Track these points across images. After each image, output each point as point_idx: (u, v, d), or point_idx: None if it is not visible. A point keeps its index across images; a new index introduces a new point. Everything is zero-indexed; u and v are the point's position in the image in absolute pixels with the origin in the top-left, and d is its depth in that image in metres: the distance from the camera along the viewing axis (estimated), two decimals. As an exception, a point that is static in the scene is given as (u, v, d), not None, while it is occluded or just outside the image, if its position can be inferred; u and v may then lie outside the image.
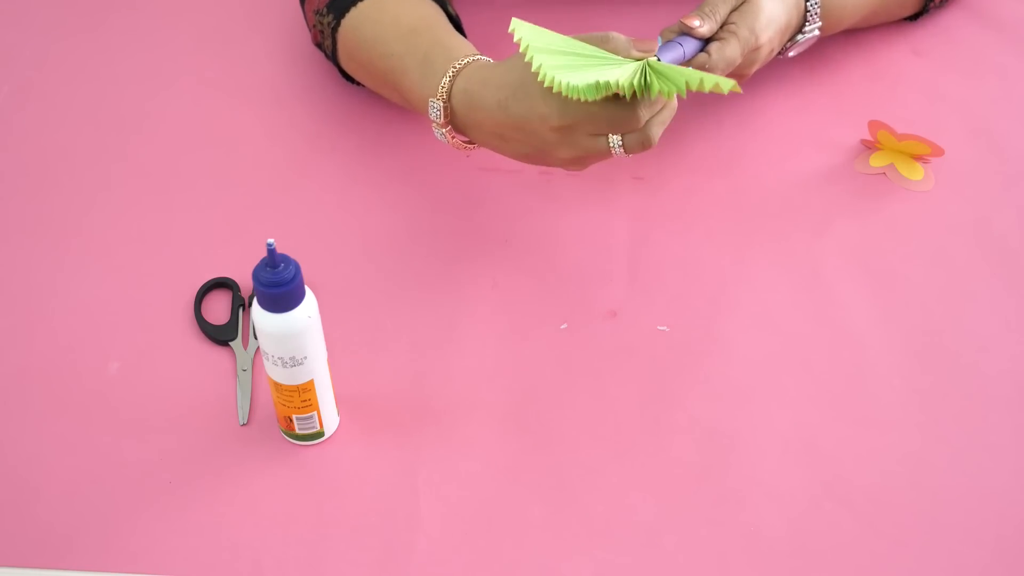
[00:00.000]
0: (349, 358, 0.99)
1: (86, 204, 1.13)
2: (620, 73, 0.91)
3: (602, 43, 0.95)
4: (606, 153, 0.96)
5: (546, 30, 0.94)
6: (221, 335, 1.02)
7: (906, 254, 1.08)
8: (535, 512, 0.92)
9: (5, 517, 0.92)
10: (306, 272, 0.88)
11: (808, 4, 1.12)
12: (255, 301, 0.88)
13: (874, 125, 1.14)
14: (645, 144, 0.96)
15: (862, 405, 0.98)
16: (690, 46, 1.05)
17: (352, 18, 1.10)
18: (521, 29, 0.93)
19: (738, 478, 0.94)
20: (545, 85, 0.92)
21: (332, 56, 1.15)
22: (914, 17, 1.26)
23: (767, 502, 0.92)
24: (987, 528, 0.91)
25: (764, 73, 1.21)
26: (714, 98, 1.19)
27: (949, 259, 1.08)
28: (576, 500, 0.93)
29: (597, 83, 0.89)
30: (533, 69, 0.92)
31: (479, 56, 1.02)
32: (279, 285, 0.86)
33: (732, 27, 1.07)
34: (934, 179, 1.14)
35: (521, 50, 0.92)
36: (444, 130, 1.03)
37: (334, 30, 1.12)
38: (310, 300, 0.89)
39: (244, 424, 0.97)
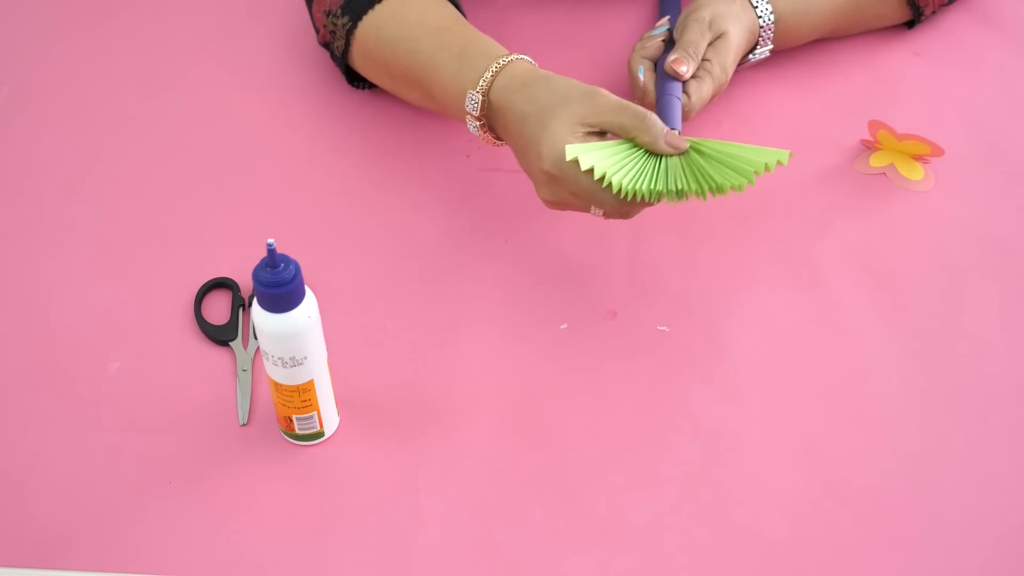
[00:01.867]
0: (349, 358, 0.99)
1: (86, 204, 1.13)
2: (678, 170, 0.96)
3: (639, 119, 0.96)
4: (584, 210, 0.98)
5: (593, 143, 0.96)
6: (221, 335, 1.02)
7: (906, 254, 1.08)
8: (535, 512, 0.92)
9: (5, 517, 0.92)
10: (306, 272, 0.88)
11: (761, 31, 1.14)
12: (255, 301, 0.88)
13: (874, 125, 1.14)
14: (625, 217, 0.98)
15: (862, 405, 0.98)
16: (677, 90, 1.06)
17: (372, 18, 1.10)
18: (584, 156, 0.94)
19: (738, 478, 0.94)
20: (629, 199, 0.94)
21: (342, 56, 1.15)
22: (910, 24, 1.26)
23: (767, 502, 0.92)
24: (987, 528, 0.91)
25: (764, 73, 1.21)
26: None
27: (949, 259, 1.08)
28: (576, 500, 0.93)
29: (679, 189, 0.94)
30: (615, 191, 0.93)
31: (523, 56, 1.03)
32: (279, 285, 0.86)
33: (707, 65, 1.10)
34: (934, 179, 1.14)
35: (596, 177, 0.93)
36: (478, 123, 1.03)
37: (349, 32, 1.12)
38: (310, 300, 0.89)
39: (244, 424, 0.97)
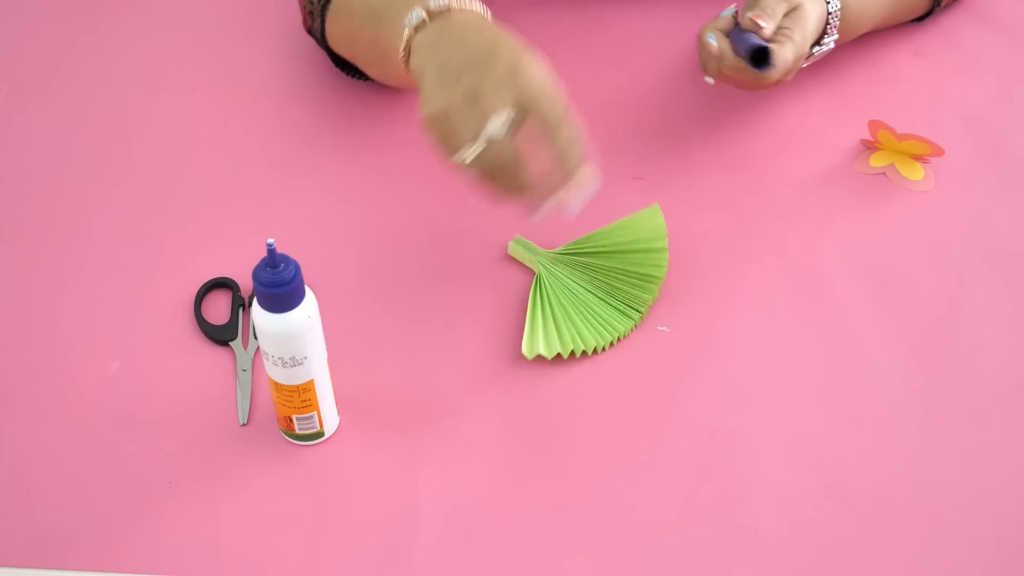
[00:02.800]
0: (349, 358, 0.99)
1: (86, 204, 1.13)
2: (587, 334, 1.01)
3: (572, 127, 0.92)
4: (455, 148, 0.92)
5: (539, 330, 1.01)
6: (221, 335, 1.02)
7: (906, 254, 1.08)
8: (535, 512, 0.92)
9: (5, 517, 0.92)
10: (306, 272, 0.88)
11: (829, 17, 1.11)
12: (255, 301, 0.88)
13: (874, 125, 1.14)
14: (509, 193, 0.93)
15: (862, 405, 0.98)
16: (758, 40, 1.04)
17: None
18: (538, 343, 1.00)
19: (738, 478, 0.94)
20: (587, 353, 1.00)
21: (321, 39, 1.15)
22: (919, 18, 1.26)
23: (767, 502, 0.92)
24: (987, 528, 0.91)
25: (764, 73, 1.21)
26: (714, 98, 1.19)
27: (949, 259, 1.08)
28: (576, 500, 0.93)
29: (570, 348, 1.00)
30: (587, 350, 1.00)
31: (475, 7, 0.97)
32: (279, 285, 0.86)
33: (787, 31, 1.06)
34: (934, 179, 1.14)
35: (552, 355, 0.99)
36: (408, 30, 0.95)
37: (323, 8, 1.12)
38: (310, 300, 0.89)
39: (244, 424, 0.97)
